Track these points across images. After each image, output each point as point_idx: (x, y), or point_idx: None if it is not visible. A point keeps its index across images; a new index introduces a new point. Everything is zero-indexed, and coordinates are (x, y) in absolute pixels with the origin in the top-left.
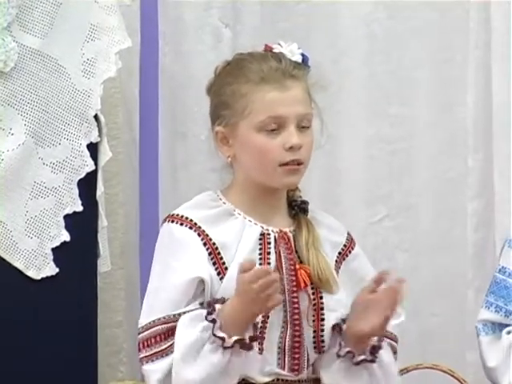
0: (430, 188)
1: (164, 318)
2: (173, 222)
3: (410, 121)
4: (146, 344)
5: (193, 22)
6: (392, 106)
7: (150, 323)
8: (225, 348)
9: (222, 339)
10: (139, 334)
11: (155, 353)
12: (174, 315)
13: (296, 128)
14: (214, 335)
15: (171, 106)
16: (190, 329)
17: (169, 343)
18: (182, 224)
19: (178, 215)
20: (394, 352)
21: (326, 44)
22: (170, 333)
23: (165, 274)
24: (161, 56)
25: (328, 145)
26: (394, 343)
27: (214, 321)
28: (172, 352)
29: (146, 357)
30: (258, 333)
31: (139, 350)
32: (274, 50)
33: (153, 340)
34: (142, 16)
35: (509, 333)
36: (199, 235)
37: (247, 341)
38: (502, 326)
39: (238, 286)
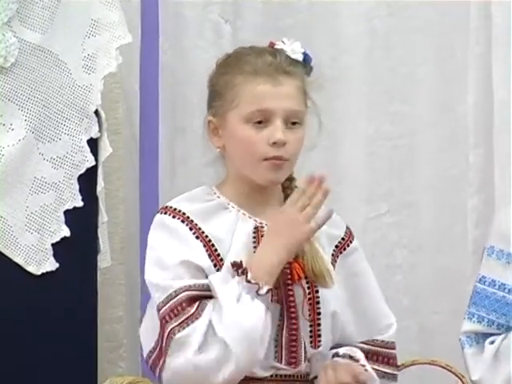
0: (430, 185)
1: (180, 288)
2: (165, 213)
3: (411, 118)
4: (172, 315)
5: (193, 18)
6: (393, 103)
7: (166, 297)
8: (260, 295)
9: (257, 285)
10: (159, 310)
11: (186, 319)
12: (190, 285)
13: (283, 124)
14: (249, 281)
15: (171, 101)
16: (225, 284)
17: (195, 308)
18: (174, 217)
19: (170, 207)
20: (394, 359)
21: (327, 41)
22: (192, 300)
23: (163, 259)
24: (161, 52)
25: (328, 142)
26: (392, 352)
27: (245, 270)
28: (200, 316)
29: (177, 325)
30: None
31: (166, 322)
32: (275, 47)
33: (179, 308)
34: (143, 11)
35: (492, 343)
36: (191, 229)
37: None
38: (486, 335)
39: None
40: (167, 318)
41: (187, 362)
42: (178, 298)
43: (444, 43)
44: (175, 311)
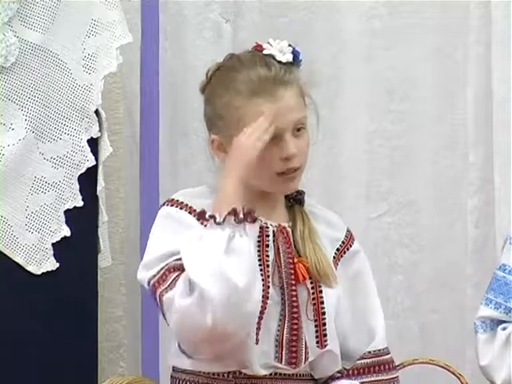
0: (430, 184)
1: (167, 264)
2: (172, 205)
3: (411, 116)
4: (159, 282)
5: (193, 17)
6: (392, 102)
7: (157, 271)
8: (218, 224)
9: (213, 217)
10: (149, 283)
11: (172, 281)
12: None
13: (292, 134)
14: (206, 219)
15: (172, 101)
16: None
17: (177, 273)
18: (181, 208)
19: (177, 200)
20: (392, 362)
21: (327, 39)
22: (176, 267)
23: (162, 245)
24: (161, 51)
25: (329, 140)
26: (389, 356)
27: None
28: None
29: (165, 289)
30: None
31: (155, 289)
32: (264, 52)
33: (164, 276)
34: (143, 11)
35: (504, 329)
36: (198, 219)
37: (240, 212)
38: (501, 322)
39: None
40: (156, 284)
41: (176, 314)
42: (165, 268)
43: (444, 41)
44: (163, 277)
